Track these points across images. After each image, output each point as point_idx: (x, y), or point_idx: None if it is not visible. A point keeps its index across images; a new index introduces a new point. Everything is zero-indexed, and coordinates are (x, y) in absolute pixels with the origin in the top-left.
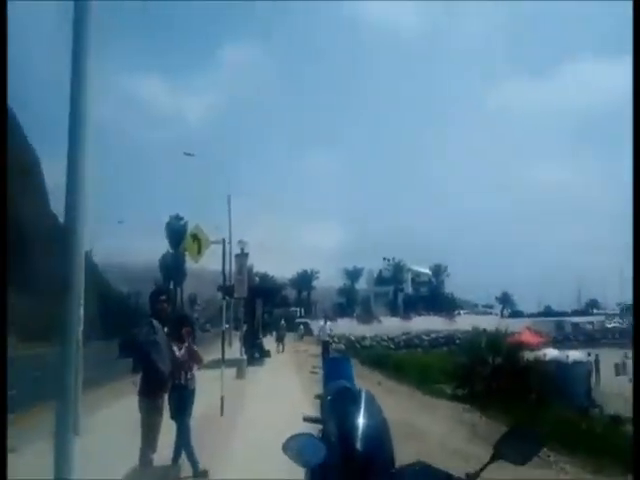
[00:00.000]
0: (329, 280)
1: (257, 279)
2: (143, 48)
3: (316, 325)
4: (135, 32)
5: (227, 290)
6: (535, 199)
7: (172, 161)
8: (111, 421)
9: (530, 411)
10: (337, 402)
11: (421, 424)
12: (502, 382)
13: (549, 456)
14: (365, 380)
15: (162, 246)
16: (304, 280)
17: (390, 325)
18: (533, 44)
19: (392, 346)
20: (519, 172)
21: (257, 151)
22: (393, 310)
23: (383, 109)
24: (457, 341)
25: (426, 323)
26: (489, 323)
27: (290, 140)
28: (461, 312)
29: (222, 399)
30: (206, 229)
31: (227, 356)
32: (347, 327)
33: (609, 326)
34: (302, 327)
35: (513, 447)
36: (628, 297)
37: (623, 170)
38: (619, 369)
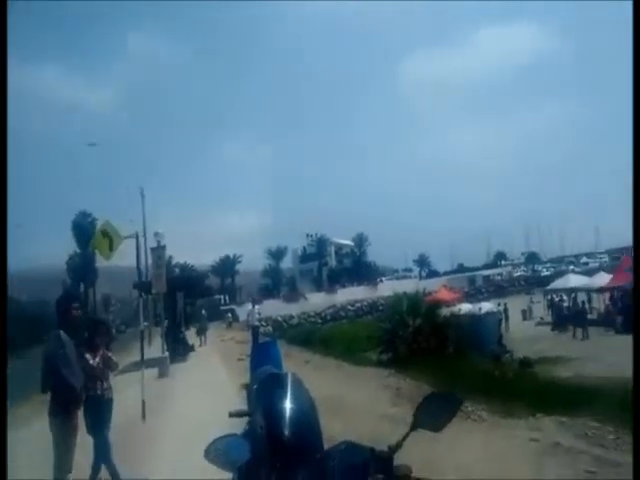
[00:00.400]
0: (253, 263)
1: (177, 271)
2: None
3: (243, 311)
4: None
5: (144, 286)
6: (442, 163)
7: (79, 155)
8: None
9: (448, 366)
10: (262, 390)
11: (349, 395)
12: (423, 342)
13: (467, 406)
14: (293, 360)
15: (70, 247)
16: (227, 266)
17: (316, 301)
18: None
19: (319, 321)
20: (431, 140)
21: (169, 139)
22: (319, 285)
23: (299, 88)
24: (380, 308)
25: (351, 294)
26: (409, 286)
27: (204, 125)
28: (383, 279)
29: (143, 403)
30: (119, 224)
31: (148, 355)
32: (274, 308)
33: (515, 275)
34: (230, 314)
35: (430, 414)
36: (530, 246)
37: (520, 134)
38: (525, 314)
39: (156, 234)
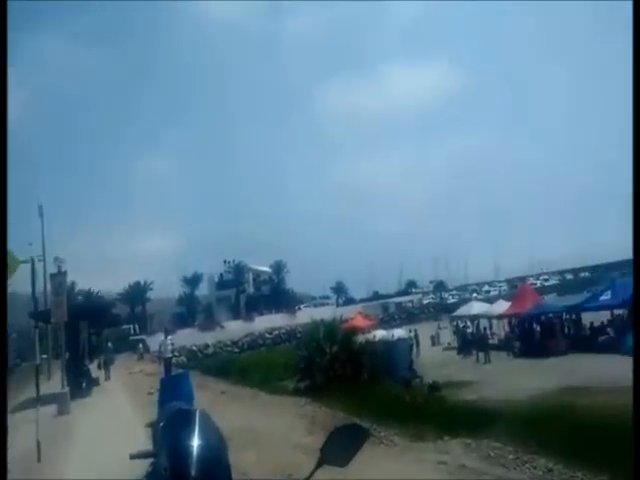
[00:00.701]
0: (166, 290)
1: (80, 298)
2: None
3: (155, 341)
4: None
5: (42, 315)
6: (358, 192)
7: None
8: None
9: (363, 392)
10: (168, 428)
11: (263, 426)
12: (339, 368)
13: (380, 432)
14: (209, 391)
15: None
16: (137, 293)
17: (234, 329)
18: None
19: (236, 350)
20: (346, 170)
21: (74, 154)
22: (236, 313)
23: (212, 108)
24: (298, 335)
25: (269, 322)
26: (326, 313)
27: (113, 142)
28: (301, 306)
29: (38, 444)
30: (16, 247)
31: (46, 391)
32: (188, 338)
33: (425, 302)
34: (141, 345)
35: (336, 449)
36: (438, 275)
37: (430, 165)
38: (434, 340)
39: (56, 259)
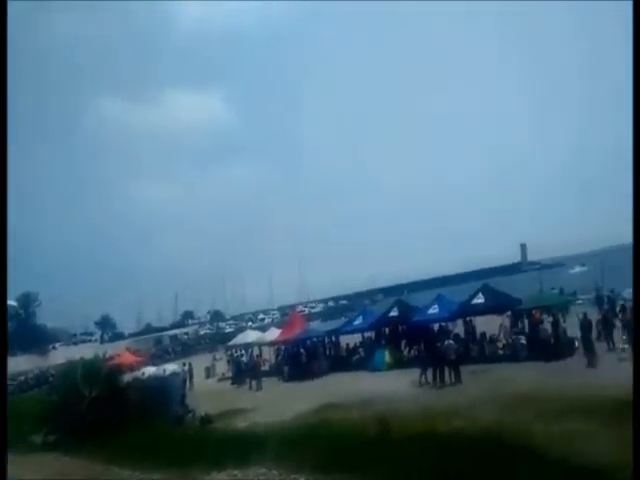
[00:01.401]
0: None
1: None
2: None
3: None
4: None
5: None
6: (119, 219)
7: None
8: None
9: (127, 436)
10: None
11: None
12: (100, 412)
13: (141, 477)
14: None
15: None
16: None
17: None
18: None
19: None
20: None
21: None
22: None
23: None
24: (50, 379)
25: (14, 365)
26: (88, 352)
27: None
28: (57, 345)
29: None
30: None
31: None
32: None
33: (201, 333)
34: None
35: None
36: (216, 305)
37: (208, 190)
38: (209, 371)
39: None
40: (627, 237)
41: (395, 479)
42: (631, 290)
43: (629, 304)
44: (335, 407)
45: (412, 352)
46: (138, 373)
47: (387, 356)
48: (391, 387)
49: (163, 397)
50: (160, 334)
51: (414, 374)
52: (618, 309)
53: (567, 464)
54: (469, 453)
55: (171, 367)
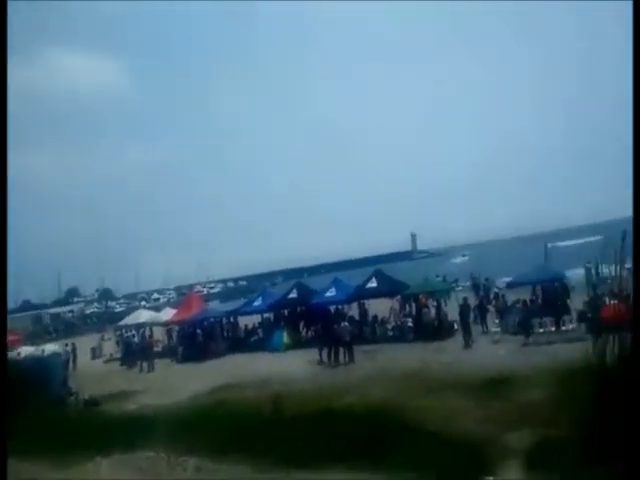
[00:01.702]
0: None
1: None
2: None
3: None
4: None
5: None
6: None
7: None
8: None
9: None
10: None
11: None
12: None
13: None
14: None
15: None
16: None
17: None
18: None
19: None
20: None
21: None
22: None
23: None
24: None
25: None
26: None
27: None
28: None
29: None
30: None
31: None
32: None
33: (88, 312)
34: None
35: None
36: (106, 283)
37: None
38: (95, 352)
39: None
40: (503, 233)
41: (288, 457)
42: (504, 280)
43: (501, 292)
44: (231, 387)
45: (310, 333)
46: (13, 353)
47: (285, 337)
48: (288, 367)
49: (42, 379)
50: (40, 312)
51: (311, 354)
52: (492, 296)
53: (440, 436)
54: (358, 428)
55: (51, 347)
